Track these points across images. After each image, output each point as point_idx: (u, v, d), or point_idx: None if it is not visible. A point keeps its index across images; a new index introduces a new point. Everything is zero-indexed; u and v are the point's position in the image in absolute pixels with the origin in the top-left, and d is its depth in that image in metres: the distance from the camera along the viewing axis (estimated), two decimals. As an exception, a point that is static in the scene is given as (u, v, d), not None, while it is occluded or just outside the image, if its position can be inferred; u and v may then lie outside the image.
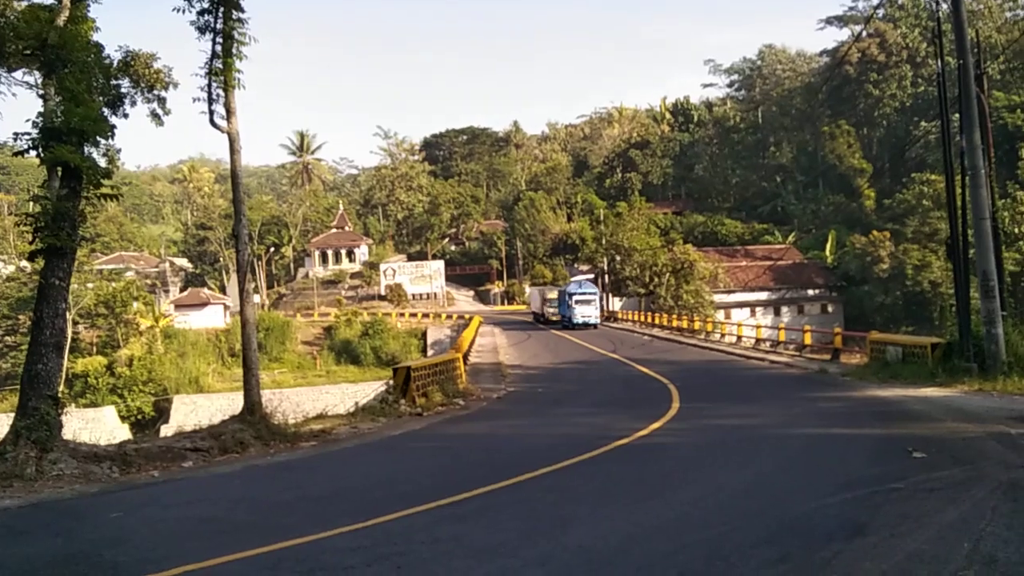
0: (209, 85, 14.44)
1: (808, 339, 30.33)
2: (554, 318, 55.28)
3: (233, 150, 14.80)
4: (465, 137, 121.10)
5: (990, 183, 18.94)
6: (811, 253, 71.47)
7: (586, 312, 48.88)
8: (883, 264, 58.67)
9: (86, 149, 12.66)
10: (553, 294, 59.50)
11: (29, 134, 12.04)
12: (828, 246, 70.41)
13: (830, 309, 64.96)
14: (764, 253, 70.94)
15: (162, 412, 53.20)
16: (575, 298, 49.33)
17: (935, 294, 55.44)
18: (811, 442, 11.98)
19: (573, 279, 57.82)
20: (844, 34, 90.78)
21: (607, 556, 6.46)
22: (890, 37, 79.95)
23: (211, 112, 14.54)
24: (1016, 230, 47.24)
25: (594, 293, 51.38)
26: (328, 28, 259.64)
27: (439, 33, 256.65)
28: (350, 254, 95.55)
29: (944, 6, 21.98)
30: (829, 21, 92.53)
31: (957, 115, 18.56)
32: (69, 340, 54.35)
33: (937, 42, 20.98)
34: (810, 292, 66.26)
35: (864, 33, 78.77)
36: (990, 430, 11.34)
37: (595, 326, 48.97)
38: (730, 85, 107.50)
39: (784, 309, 65.05)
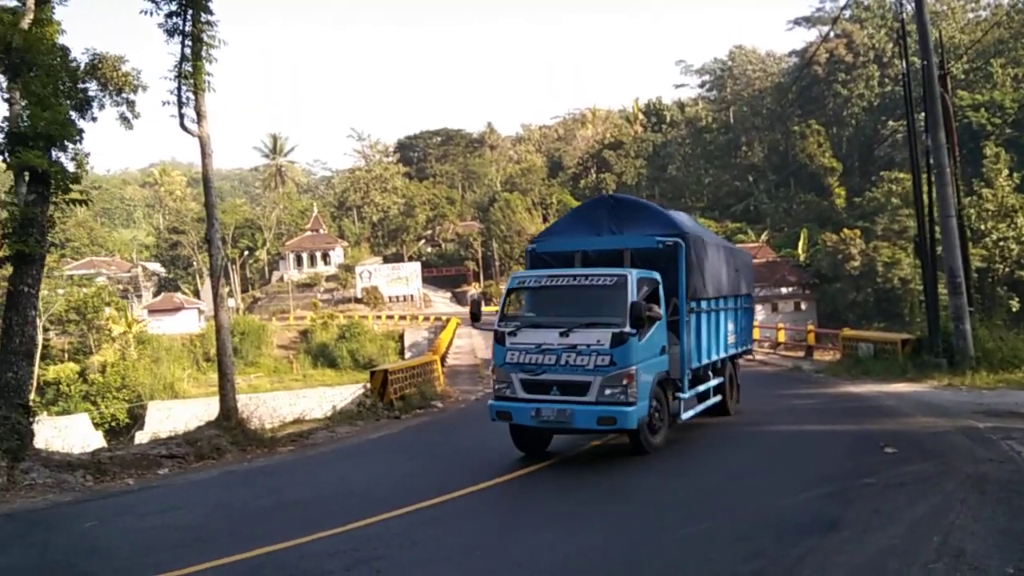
0: (179, 88, 14.28)
1: (782, 336, 30.71)
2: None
3: (204, 154, 14.64)
4: (439, 138, 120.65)
5: (955, 181, 19.32)
6: (784, 251, 72.14)
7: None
8: (854, 262, 59.40)
9: (54, 153, 12.48)
10: None
11: (-6, 139, 11.88)
12: (800, 244, 71.13)
13: (803, 307, 65.65)
14: (738, 252, 71.46)
15: (136, 419, 52.46)
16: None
17: (905, 291, 56.24)
18: (785, 439, 12.15)
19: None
20: (812, 34, 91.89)
21: (589, 557, 6.51)
22: (857, 38, 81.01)
23: (181, 116, 14.39)
24: (982, 227, 48.05)
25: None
26: (300, 30, 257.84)
27: (412, 34, 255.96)
28: (325, 257, 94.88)
29: (908, 7, 22.38)
30: (797, 22, 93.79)
31: (923, 114, 18.91)
32: (40, 347, 53.50)
33: (902, 43, 21.38)
34: (783, 290, 66.91)
35: (831, 34, 79.78)
36: (959, 424, 11.58)
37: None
38: (701, 85, 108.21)
39: (758, 307, 65.60)
